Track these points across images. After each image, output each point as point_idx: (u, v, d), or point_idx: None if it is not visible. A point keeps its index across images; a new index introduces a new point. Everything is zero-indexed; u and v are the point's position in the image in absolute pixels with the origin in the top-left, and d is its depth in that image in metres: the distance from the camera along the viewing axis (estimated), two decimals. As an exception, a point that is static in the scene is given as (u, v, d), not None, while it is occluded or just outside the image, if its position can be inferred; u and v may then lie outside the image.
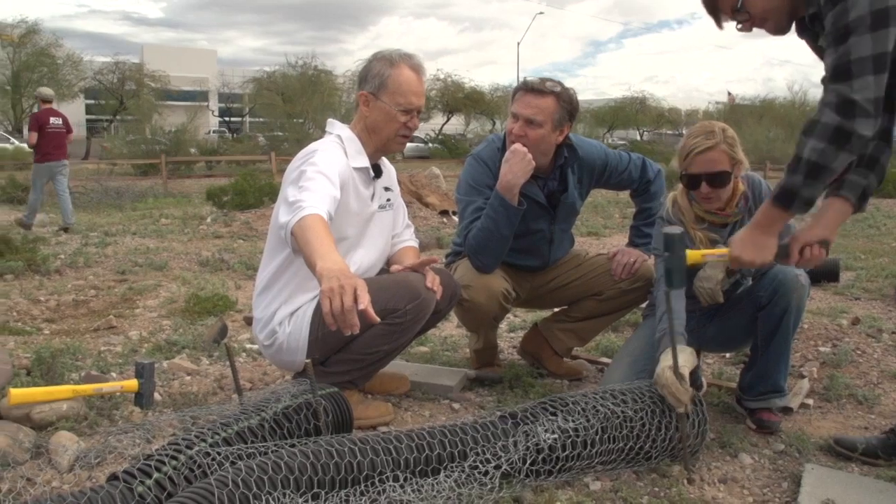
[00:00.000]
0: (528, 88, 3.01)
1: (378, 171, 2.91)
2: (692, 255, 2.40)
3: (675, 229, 2.38)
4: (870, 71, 1.90)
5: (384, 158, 3.00)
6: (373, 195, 2.87)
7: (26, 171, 20.50)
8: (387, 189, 2.99)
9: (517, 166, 2.91)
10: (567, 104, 3.01)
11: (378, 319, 2.14)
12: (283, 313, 2.73)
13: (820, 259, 2.28)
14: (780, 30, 2.24)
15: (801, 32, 2.25)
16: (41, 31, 36.51)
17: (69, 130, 10.74)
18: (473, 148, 3.40)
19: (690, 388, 2.36)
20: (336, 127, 2.87)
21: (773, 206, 2.18)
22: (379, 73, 2.78)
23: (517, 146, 2.93)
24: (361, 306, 2.07)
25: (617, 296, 3.27)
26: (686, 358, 2.40)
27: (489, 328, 3.35)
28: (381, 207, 2.93)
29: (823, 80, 2.06)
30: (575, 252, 3.45)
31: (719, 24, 2.30)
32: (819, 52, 2.24)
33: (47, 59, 36.02)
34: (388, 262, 2.99)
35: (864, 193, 2.29)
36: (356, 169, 2.77)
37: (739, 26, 2.25)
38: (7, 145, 30.51)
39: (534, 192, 3.13)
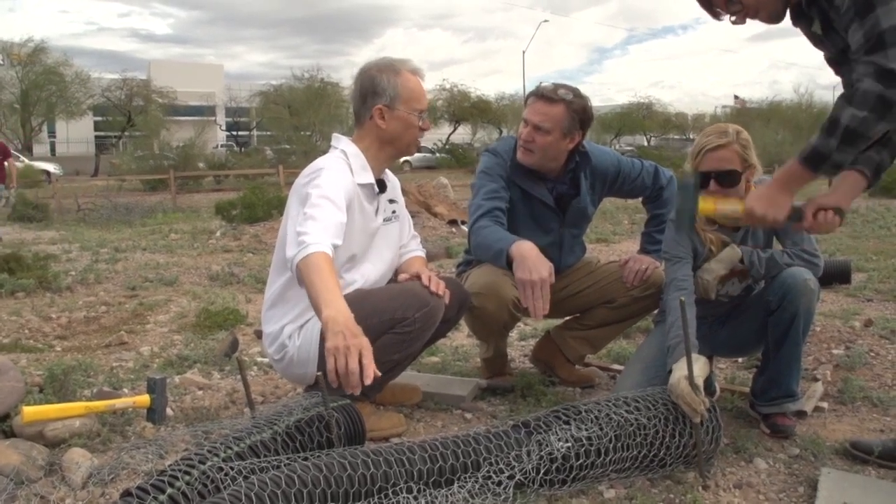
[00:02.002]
0: (540, 95, 3.02)
1: (382, 186, 2.90)
2: (705, 201, 2.39)
3: (691, 179, 2.41)
4: None
5: (388, 171, 3.00)
6: (377, 209, 2.87)
7: (37, 189, 20.69)
8: (391, 201, 2.99)
9: (534, 274, 2.75)
10: (578, 113, 3.01)
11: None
12: (292, 327, 2.73)
13: (834, 225, 2.27)
14: (774, 18, 2.23)
15: (796, 19, 2.24)
16: (49, 49, 36.86)
17: (6, 155, 11.82)
18: (485, 148, 3.41)
19: (706, 400, 2.34)
20: (341, 142, 2.86)
21: (799, 165, 2.15)
22: (390, 85, 2.78)
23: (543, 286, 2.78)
24: (367, 381, 2.15)
25: (629, 303, 3.25)
26: (700, 367, 2.39)
27: (499, 337, 3.35)
28: (387, 220, 2.93)
29: (827, 59, 2.04)
30: (587, 260, 3.44)
31: (715, 15, 2.28)
32: (813, 38, 2.24)
33: (55, 78, 36.36)
34: (396, 273, 2.99)
35: (879, 168, 2.28)
36: (361, 185, 2.76)
37: (733, 18, 2.24)
38: (17, 164, 30.63)
39: (541, 193, 3.13)
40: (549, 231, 3.21)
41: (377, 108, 2.79)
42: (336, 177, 2.67)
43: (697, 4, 2.30)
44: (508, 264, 2.84)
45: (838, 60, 2.16)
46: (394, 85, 2.77)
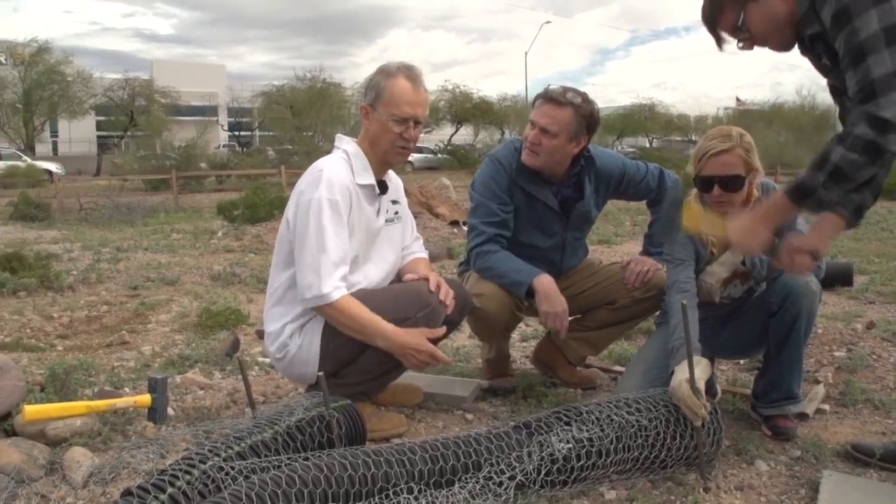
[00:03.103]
0: (548, 98, 3.01)
1: (384, 188, 2.89)
2: (688, 220, 2.42)
3: (678, 191, 2.49)
4: (894, 87, 1.89)
5: (391, 172, 3.00)
6: (379, 210, 2.87)
7: (39, 189, 20.71)
8: (394, 202, 2.99)
9: (557, 307, 2.98)
10: (586, 117, 3.01)
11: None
12: (293, 326, 2.73)
13: (805, 268, 2.28)
14: (783, 47, 2.23)
15: (805, 50, 2.24)
16: (52, 49, 36.89)
17: None
18: (487, 153, 3.41)
19: (707, 403, 2.34)
20: (344, 142, 2.86)
21: (784, 197, 2.17)
22: (376, 85, 2.77)
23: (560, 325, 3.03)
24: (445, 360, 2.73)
25: (630, 304, 3.25)
26: (702, 369, 2.38)
27: (501, 338, 3.35)
28: (389, 221, 2.93)
29: (830, 86, 2.05)
30: (588, 261, 3.44)
31: (719, 43, 2.28)
32: (822, 69, 2.23)
33: (58, 77, 36.38)
34: (400, 274, 2.99)
35: (859, 209, 2.28)
36: (361, 186, 2.76)
37: (740, 45, 2.23)
38: (19, 163, 30.71)
39: (546, 196, 3.13)
40: (552, 234, 3.21)
41: (363, 105, 2.84)
42: (334, 182, 2.67)
43: (703, 26, 2.29)
44: (527, 294, 3.00)
45: (842, 90, 2.15)
46: (381, 86, 2.76)
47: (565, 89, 3.02)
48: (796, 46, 2.23)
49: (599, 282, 3.28)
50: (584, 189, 3.19)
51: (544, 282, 2.98)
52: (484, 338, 3.38)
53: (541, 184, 3.14)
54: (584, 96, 3.02)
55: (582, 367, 3.55)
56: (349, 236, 2.68)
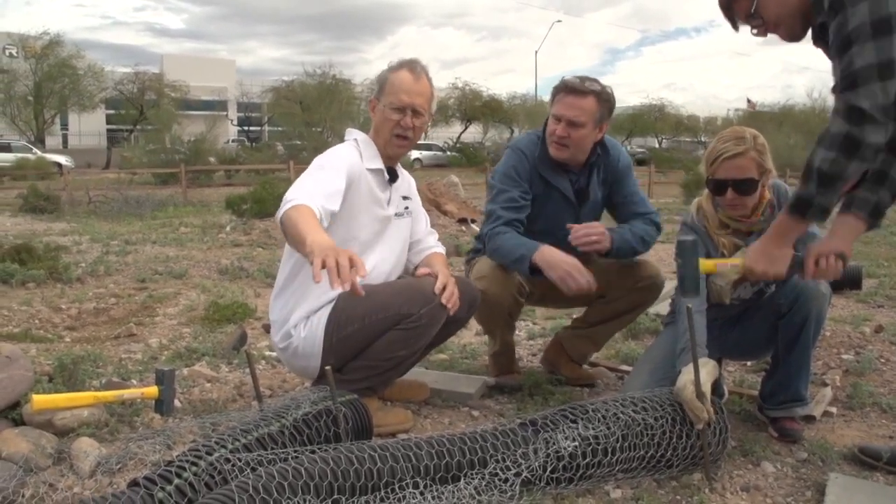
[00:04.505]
0: (570, 90, 3.01)
1: (393, 175, 2.93)
2: (705, 263, 2.40)
3: (689, 237, 2.41)
4: (875, 78, 1.90)
5: (401, 168, 3.03)
6: (389, 200, 2.90)
7: (48, 181, 20.78)
8: (405, 198, 3.01)
9: (559, 273, 2.88)
10: (606, 102, 3.03)
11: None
12: (298, 315, 2.74)
13: (837, 271, 2.27)
14: (793, 36, 2.24)
15: (817, 40, 2.24)
16: (63, 42, 37.04)
17: None
18: (509, 144, 3.39)
19: (710, 408, 2.33)
20: (354, 133, 2.95)
21: (788, 216, 2.19)
22: (381, 79, 2.88)
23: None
24: (361, 273, 2.08)
25: (622, 296, 3.25)
26: (709, 371, 2.38)
27: (505, 327, 3.33)
28: (399, 215, 2.95)
29: (833, 90, 2.05)
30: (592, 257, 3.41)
31: (735, 26, 2.31)
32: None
33: (69, 70, 36.52)
34: (415, 268, 3.02)
35: (877, 209, 2.27)
36: (371, 170, 2.82)
37: (754, 31, 2.25)
38: (29, 155, 30.82)
39: (564, 186, 3.15)
40: (563, 225, 3.19)
41: (370, 99, 2.94)
42: (340, 153, 2.77)
43: (719, 11, 2.31)
44: (531, 271, 2.93)
45: None
46: (385, 79, 2.85)
47: (582, 79, 3.03)
48: (809, 37, 2.24)
49: (594, 273, 3.25)
50: (591, 178, 3.19)
51: (545, 253, 2.91)
52: (488, 326, 3.36)
53: (560, 173, 3.15)
54: (598, 81, 3.05)
55: (586, 364, 3.55)
56: (354, 217, 2.74)
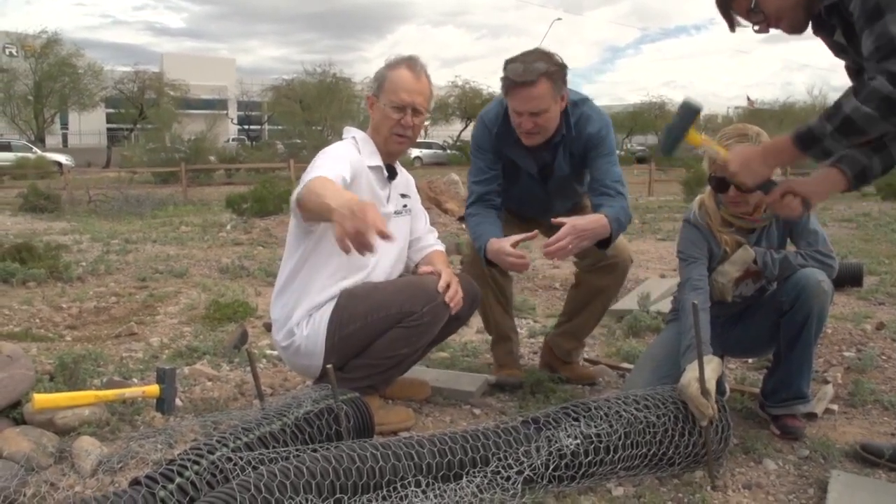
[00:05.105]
0: (518, 84, 2.83)
1: (392, 172, 2.94)
2: (694, 134, 2.41)
3: (697, 104, 2.42)
4: None
5: (401, 166, 3.03)
6: (388, 197, 2.90)
7: (48, 180, 20.79)
8: (404, 196, 3.01)
9: (506, 265, 2.95)
10: (556, 73, 2.85)
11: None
12: (299, 313, 2.74)
13: (796, 212, 2.28)
14: (796, 28, 2.22)
15: (818, 29, 2.23)
16: (62, 41, 37.06)
17: None
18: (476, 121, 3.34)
19: (714, 405, 2.32)
20: (352, 131, 2.95)
21: (790, 141, 2.17)
22: (380, 76, 2.87)
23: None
24: (383, 230, 2.07)
25: (585, 280, 3.30)
26: (713, 368, 2.37)
27: (497, 307, 3.36)
28: (397, 213, 2.95)
29: (847, 68, 2.04)
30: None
31: (732, 27, 2.29)
32: (835, 48, 2.23)
33: (68, 69, 36.55)
34: (416, 266, 3.02)
35: (863, 173, 2.24)
36: (370, 167, 2.82)
37: (756, 28, 2.23)
38: (29, 154, 30.83)
39: (528, 164, 3.11)
40: (534, 199, 3.23)
41: (368, 96, 2.92)
42: (341, 149, 2.78)
43: (717, 10, 2.29)
44: (487, 262, 3.00)
45: (857, 70, 2.14)
46: (384, 76, 2.85)
47: (525, 62, 2.82)
48: (810, 28, 2.23)
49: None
50: (556, 154, 3.06)
51: (491, 249, 2.91)
52: (483, 311, 3.34)
53: (523, 150, 3.05)
54: (542, 55, 2.85)
55: (574, 361, 3.53)
56: None
